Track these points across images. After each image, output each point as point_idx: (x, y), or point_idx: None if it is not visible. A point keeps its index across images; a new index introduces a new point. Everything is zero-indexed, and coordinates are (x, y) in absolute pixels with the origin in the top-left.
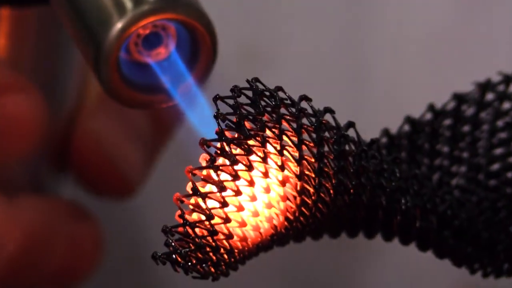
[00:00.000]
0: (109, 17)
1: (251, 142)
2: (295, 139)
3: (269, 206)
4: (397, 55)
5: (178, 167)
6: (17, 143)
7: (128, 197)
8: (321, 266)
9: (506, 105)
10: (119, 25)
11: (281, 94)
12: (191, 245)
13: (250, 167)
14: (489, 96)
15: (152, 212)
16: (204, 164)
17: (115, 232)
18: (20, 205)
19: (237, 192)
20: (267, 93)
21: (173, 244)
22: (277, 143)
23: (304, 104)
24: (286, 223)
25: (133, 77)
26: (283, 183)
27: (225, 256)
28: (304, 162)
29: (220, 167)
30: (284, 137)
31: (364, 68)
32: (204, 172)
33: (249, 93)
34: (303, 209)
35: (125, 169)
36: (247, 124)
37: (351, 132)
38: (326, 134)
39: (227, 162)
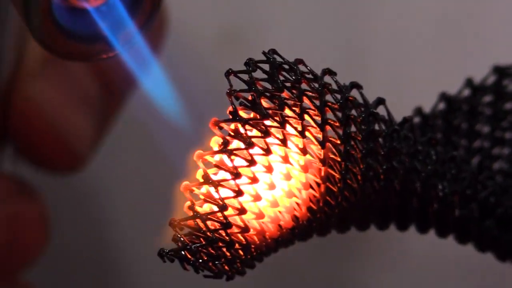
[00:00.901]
0: None
1: (268, 122)
2: (318, 118)
3: (290, 195)
4: (395, 39)
5: (132, 136)
6: None
7: (75, 171)
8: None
9: None
10: None
11: (301, 67)
12: (202, 240)
13: (267, 151)
14: None
15: (104, 187)
16: (216, 148)
17: (64, 211)
18: None
19: (254, 179)
20: (286, 67)
21: (182, 239)
22: (298, 123)
23: (327, 79)
24: (308, 214)
25: (69, 25)
26: (305, 168)
27: (240, 252)
28: (329, 144)
29: (234, 151)
30: (306, 117)
31: (360, 51)
32: (217, 157)
33: (266, 67)
34: (327, 198)
35: (71, 139)
36: (264, 102)
37: (381, 110)
38: (353, 112)
39: (242, 146)
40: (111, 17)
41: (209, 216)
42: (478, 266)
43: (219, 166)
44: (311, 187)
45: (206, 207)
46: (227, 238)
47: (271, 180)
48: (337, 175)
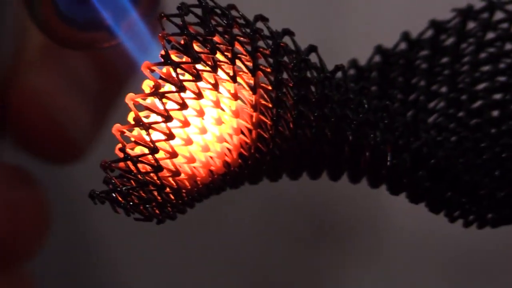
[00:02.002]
0: None
1: (200, 66)
2: (250, 64)
3: (221, 140)
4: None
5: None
6: None
7: (74, 161)
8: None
9: (490, 35)
10: None
11: (234, 13)
12: (133, 182)
13: (199, 95)
14: (471, 24)
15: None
16: (147, 91)
17: (62, 200)
18: None
19: (185, 123)
20: (219, 12)
21: (113, 181)
22: (230, 68)
23: (260, 26)
24: (240, 160)
25: (71, 13)
26: (236, 114)
27: (171, 196)
28: (260, 90)
29: (166, 95)
30: (238, 62)
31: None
32: (148, 100)
33: (199, 12)
34: (259, 144)
35: (69, 129)
36: (196, 47)
37: (313, 58)
38: (285, 59)
39: (174, 89)
40: (114, 5)
41: (140, 159)
42: (468, 262)
43: (150, 108)
44: (242, 133)
45: (138, 150)
46: (158, 181)
47: (203, 124)
48: (268, 122)
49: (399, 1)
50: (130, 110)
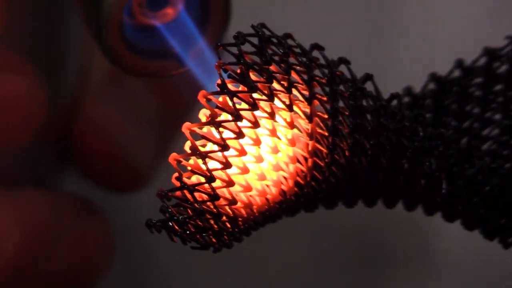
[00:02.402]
0: None
1: (256, 95)
2: (306, 92)
3: (277, 168)
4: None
5: None
6: (13, 131)
7: (136, 190)
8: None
9: None
10: None
11: (290, 42)
12: (189, 211)
13: (255, 124)
14: None
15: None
16: (204, 120)
17: (126, 230)
18: (20, 201)
19: (241, 152)
20: (275, 41)
21: (169, 210)
22: (286, 97)
23: (316, 54)
24: (296, 188)
25: (138, 43)
26: (292, 142)
27: (228, 225)
28: (316, 118)
29: (222, 124)
30: (294, 91)
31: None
32: (205, 129)
33: (255, 41)
34: (315, 172)
35: (133, 159)
36: (252, 76)
37: (368, 86)
38: (341, 87)
39: (230, 118)
40: (181, 33)
41: (196, 188)
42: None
43: (207, 137)
44: (298, 161)
45: (194, 179)
46: (215, 210)
47: (259, 153)
48: (324, 150)
49: (449, 28)
50: (187, 139)
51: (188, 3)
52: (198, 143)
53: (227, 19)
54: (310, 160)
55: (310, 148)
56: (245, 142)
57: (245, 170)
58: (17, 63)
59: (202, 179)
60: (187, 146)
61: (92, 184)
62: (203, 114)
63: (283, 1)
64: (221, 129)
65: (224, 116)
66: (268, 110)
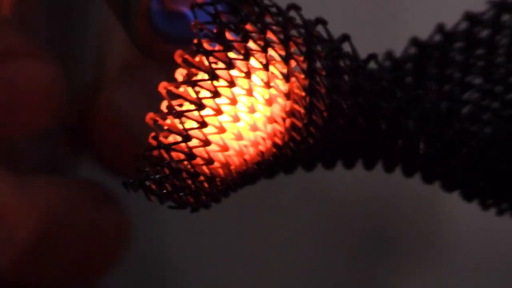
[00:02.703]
0: None
1: (232, 54)
2: (282, 52)
3: (254, 128)
4: None
5: None
6: (30, 116)
7: None
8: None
9: None
10: None
11: (266, 2)
12: (166, 170)
13: (231, 83)
14: (505, 17)
15: None
16: (180, 79)
17: (141, 220)
18: (34, 188)
19: (218, 111)
20: (251, 0)
21: (146, 169)
22: (262, 57)
23: (293, 14)
24: (274, 149)
25: (166, 29)
26: (269, 102)
27: (205, 184)
28: (293, 79)
29: (198, 83)
30: (270, 50)
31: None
32: (181, 89)
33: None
34: (293, 133)
35: None
36: (229, 35)
37: (346, 47)
38: (318, 47)
39: (206, 77)
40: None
41: (173, 147)
42: None
43: (183, 96)
44: (276, 121)
45: (171, 138)
46: (192, 169)
47: (236, 112)
48: (302, 110)
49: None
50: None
51: None
52: (174, 102)
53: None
54: (287, 121)
55: (287, 108)
56: (222, 101)
57: (221, 130)
58: (36, 49)
59: (179, 138)
60: (164, 105)
61: (109, 172)
62: (180, 74)
63: None
64: (197, 88)
65: (201, 75)
66: (245, 69)
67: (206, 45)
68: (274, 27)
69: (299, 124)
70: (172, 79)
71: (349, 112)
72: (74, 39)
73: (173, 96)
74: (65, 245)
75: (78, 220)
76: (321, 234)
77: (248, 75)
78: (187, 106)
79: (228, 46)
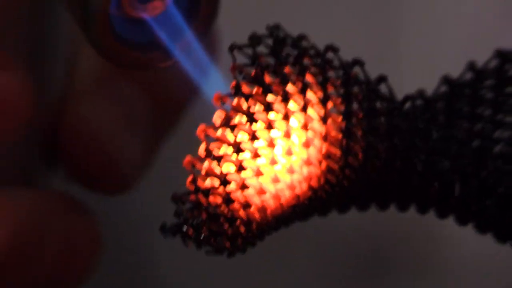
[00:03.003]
0: None
1: (270, 97)
2: (320, 94)
3: (291, 171)
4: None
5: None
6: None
7: (124, 192)
8: None
9: None
10: None
11: (304, 43)
12: (203, 215)
13: (269, 126)
14: None
15: (152, 206)
16: (218, 122)
17: (114, 228)
18: (6, 199)
19: (255, 154)
20: (289, 42)
21: (183, 214)
22: (300, 99)
23: (330, 56)
24: (309, 192)
25: (126, 35)
26: (306, 144)
27: (241, 228)
28: (331, 121)
29: (237, 126)
30: (308, 93)
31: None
32: (219, 132)
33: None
34: (328, 176)
35: (121, 160)
36: (267, 77)
37: (383, 89)
38: (355, 89)
39: (244, 121)
40: (169, 26)
41: (211, 191)
42: None
43: (221, 140)
44: (312, 164)
45: (208, 182)
46: (229, 213)
47: (273, 155)
48: (338, 153)
49: (454, 30)
50: (201, 142)
51: None
52: (212, 145)
53: (215, 12)
54: (323, 163)
55: (324, 150)
56: (260, 144)
57: (258, 173)
58: (4, 60)
59: (217, 183)
60: (201, 148)
61: (79, 185)
62: (218, 117)
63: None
64: (235, 131)
65: (238, 118)
66: (283, 111)
67: (244, 87)
68: (312, 69)
69: (335, 166)
70: None
71: (385, 154)
72: (44, 50)
73: (211, 139)
74: (36, 258)
75: (49, 232)
76: (317, 261)
77: (286, 117)
78: (224, 149)
79: (267, 89)
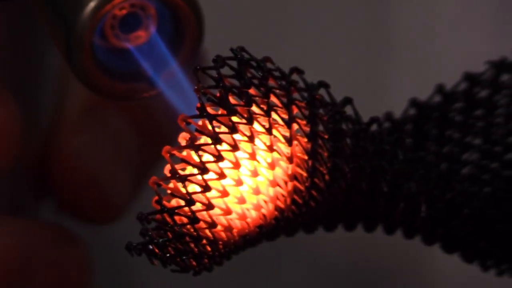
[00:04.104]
0: None
1: (235, 119)
2: (285, 116)
3: (257, 192)
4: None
5: None
6: None
7: (112, 222)
8: None
9: None
10: (91, 4)
11: (269, 65)
12: (169, 234)
13: (235, 147)
14: (504, 77)
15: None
16: (183, 143)
17: (103, 256)
18: None
19: (221, 175)
20: (254, 64)
21: (149, 233)
22: (265, 121)
23: (295, 78)
24: (276, 212)
25: (110, 65)
26: (272, 166)
27: (208, 248)
28: (296, 142)
29: (202, 147)
30: (273, 114)
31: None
32: (184, 153)
33: (234, 65)
34: (295, 196)
35: (109, 191)
36: (232, 99)
37: (348, 110)
38: (320, 111)
39: (209, 141)
40: (153, 56)
41: (176, 211)
42: None
43: (186, 160)
44: (278, 185)
45: (174, 202)
46: (194, 233)
47: (238, 176)
48: (304, 174)
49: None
50: (167, 162)
51: (161, 25)
52: (177, 166)
53: (199, 42)
54: (290, 184)
55: (290, 171)
56: (225, 165)
57: (224, 194)
58: None
59: (182, 202)
60: (167, 169)
61: (67, 215)
62: (183, 138)
63: (276, 21)
64: (200, 152)
65: (204, 139)
66: (248, 133)
67: (209, 109)
68: (277, 91)
69: (301, 187)
70: None
71: (351, 175)
72: (33, 81)
73: (175, 160)
74: (25, 287)
75: (39, 262)
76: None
77: (251, 139)
78: (189, 169)
79: (231, 110)
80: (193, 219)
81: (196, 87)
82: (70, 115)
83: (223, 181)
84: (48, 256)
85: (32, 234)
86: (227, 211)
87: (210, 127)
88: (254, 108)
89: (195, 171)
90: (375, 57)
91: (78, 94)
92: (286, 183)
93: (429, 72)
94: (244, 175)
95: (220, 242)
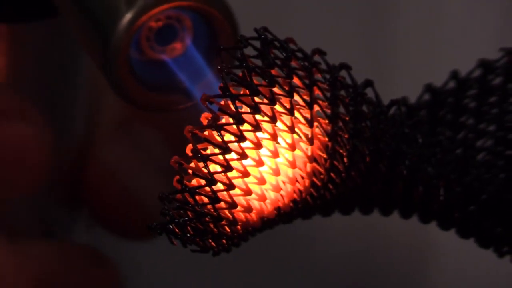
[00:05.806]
0: (117, 8)
1: (258, 99)
2: (307, 97)
3: (277, 172)
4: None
5: None
6: (20, 178)
7: (148, 238)
8: None
9: None
10: (128, 16)
11: (292, 46)
12: (189, 214)
13: (257, 127)
14: None
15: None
16: (205, 123)
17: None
18: (27, 252)
19: (242, 155)
20: (277, 44)
21: (170, 213)
22: (287, 102)
23: (317, 59)
24: (294, 194)
25: (147, 77)
26: (292, 147)
27: (227, 229)
28: (316, 124)
29: (224, 127)
30: (295, 95)
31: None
32: (206, 132)
33: (257, 44)
34: (314, 178)
35: (145, 203)
36: (254, 79)
37: (369, 92)
38: (342, 92)
39: (231, 121)
40: (189, 67)
41: (197, 190)
42: None
43: (208, 140)
44: (298, 166)
45: (195, 182)
46: (215, 213)
47: (259, 157)
48: (324, 155)
49: (448, 39)
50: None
51: (196, 37)
52: (199, 146)
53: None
54: (309, 166)
55: (309, 153)
56: (246, 145)
57: (245, 174)
58: (24, 109)
59: (203, 182)
60: (188, 149)
61: (104, 230)
62: (205, 118)
63: (286, 6)
64: (222, 132)
65: (225, 120)
66: (269, 113)
67: (231, 89)
68: (299, 72)
69: (320, 169)
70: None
71: (371, 157)
72: (65, 95)
73: (198, 139)
74: None
75: (70, 284)
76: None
77: (273, 119)
78: (211, 150)
79: (254, 90)
80: (214, 199)
81: (219, 67)
82: (104, 129)
83: (244, 162)
84: (80, 278)
85: (63, 256)
86: (247, 192)
87: (232, 107)
88: (276, 89)
89: (217, 151)
90: (381, 50)
91: (112, 107)
92: (305, 164)
93: (434, 66)
94: (264, 155)
95: (239, 223)
